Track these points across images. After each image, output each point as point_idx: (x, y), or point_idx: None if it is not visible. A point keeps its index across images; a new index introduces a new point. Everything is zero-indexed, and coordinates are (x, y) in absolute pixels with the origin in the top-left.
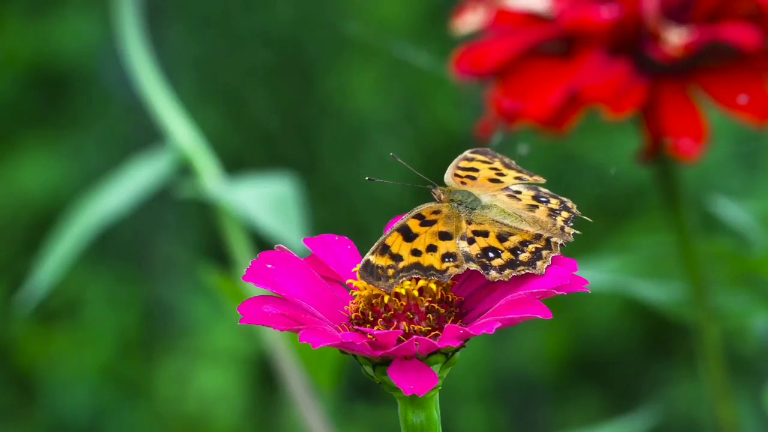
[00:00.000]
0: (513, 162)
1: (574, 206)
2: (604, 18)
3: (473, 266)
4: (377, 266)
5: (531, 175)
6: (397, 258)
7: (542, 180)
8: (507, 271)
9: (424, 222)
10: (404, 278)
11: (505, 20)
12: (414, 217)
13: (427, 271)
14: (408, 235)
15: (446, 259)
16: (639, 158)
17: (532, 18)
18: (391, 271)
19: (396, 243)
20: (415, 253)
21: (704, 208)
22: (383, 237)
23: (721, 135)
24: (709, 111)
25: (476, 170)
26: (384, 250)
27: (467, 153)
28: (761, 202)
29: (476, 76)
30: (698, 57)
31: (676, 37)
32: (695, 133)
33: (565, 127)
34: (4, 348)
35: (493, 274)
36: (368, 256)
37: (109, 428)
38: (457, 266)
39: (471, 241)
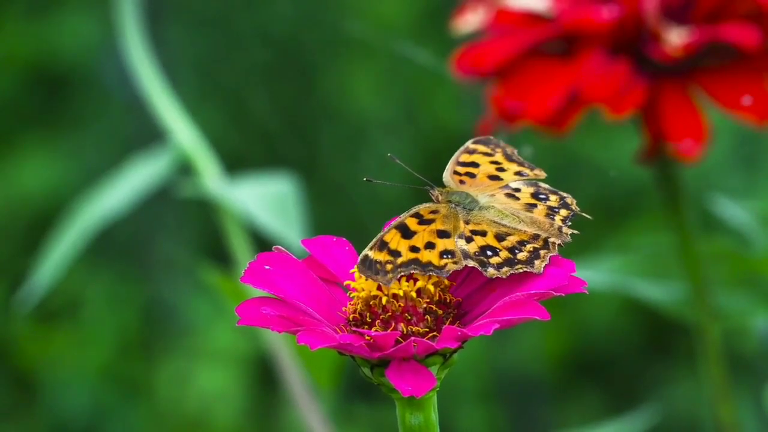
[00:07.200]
0: (515, 152)
1: (574, 202)
2: (604, 18)
3: (471, 263)
4: (375, 261)
5: (532, 169)
6: (396, 254)
7: (543, 174)
8: (505, 269)
9: (422, 221)
10: (403, 273)
11: (505, 20)
12: (412, 216)
13: (426, 267)
14: (406, 233)
15: (444, 256)
16: (639, 158)
17: (532, 18)
18: (389, 266)
19: (394, 240)
20: (414, 249)
21: (704, 208)
22: (381, 233)
23: (721, 135)
24: (709, 111)
25: (476, 165)
26: (382, 246)
27: (469, 144)
28: (761, 201)
29: (477, 76)
30: (698, 57)
31: (676, 37)
32: (696, 133)
33: (565, 127)
34: (4, 348)
35: (491, 271)
36: (366, 251)
37: (109, 428)
38: (455, 263)
39: (469, 240)
